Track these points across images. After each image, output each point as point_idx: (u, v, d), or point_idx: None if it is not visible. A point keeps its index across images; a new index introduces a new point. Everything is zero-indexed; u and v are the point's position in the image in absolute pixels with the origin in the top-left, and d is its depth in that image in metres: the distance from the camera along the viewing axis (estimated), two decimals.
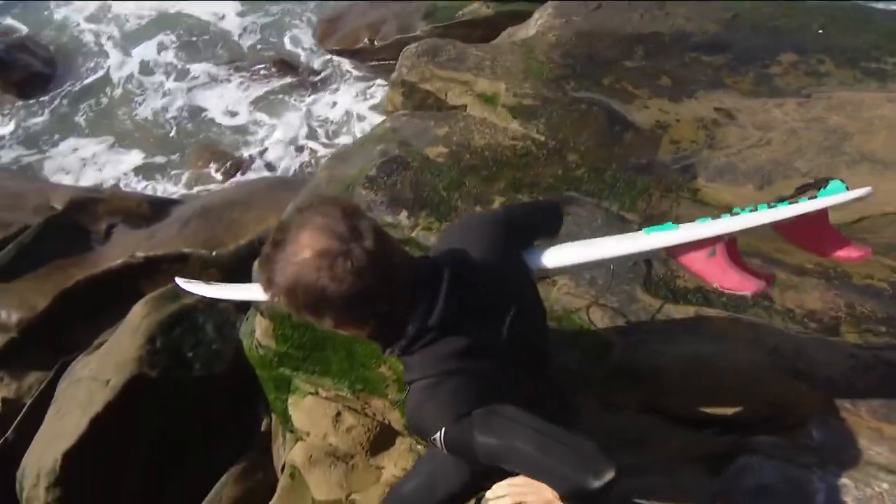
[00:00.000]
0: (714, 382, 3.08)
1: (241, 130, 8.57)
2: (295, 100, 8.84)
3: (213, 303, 5.03)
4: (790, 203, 2.07)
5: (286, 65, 9.15)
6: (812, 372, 2.94)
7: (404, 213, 3.66)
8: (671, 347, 3.17)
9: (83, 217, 6.19)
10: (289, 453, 3.96)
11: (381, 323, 1.79)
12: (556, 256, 2.26)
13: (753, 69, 4.56)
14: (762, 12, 5.06)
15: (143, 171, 8.20)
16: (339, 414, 3.77)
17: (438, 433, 1.75)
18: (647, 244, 2.19)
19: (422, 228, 3.60)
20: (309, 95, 8.84)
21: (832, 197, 2.03)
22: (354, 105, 8.60)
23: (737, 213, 2.12)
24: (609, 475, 1.67)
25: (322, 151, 8.02)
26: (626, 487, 2.43)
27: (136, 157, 8.40)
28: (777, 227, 2.14)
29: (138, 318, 4.94)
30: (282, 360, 3.82)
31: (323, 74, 9.03)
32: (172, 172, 8.06)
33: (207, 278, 4.87)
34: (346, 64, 9.06)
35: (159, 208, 6.40)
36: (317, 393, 3.82)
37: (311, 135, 8.36)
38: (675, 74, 4.49)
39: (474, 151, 3.94)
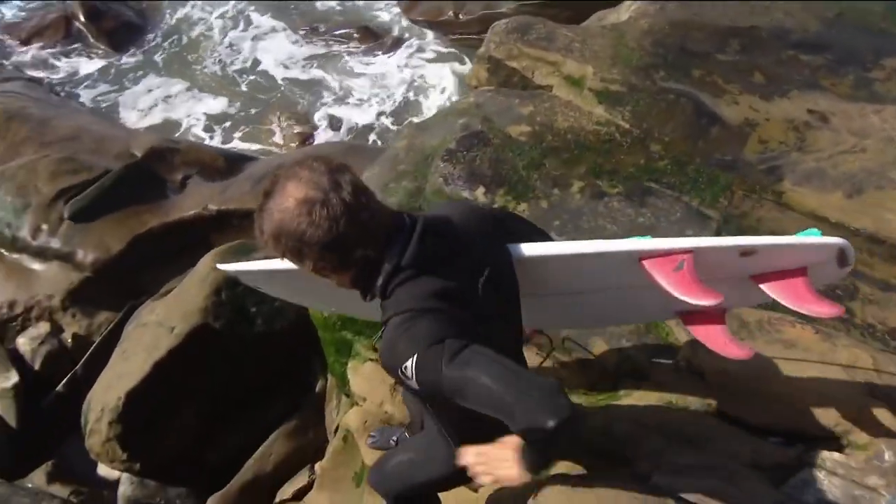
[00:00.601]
0: (783, 391, 2.99)
1: (319, 93, 8.62)
2: (374, 67, 8.85)
3: None
4: None
5: (368, 31, 9.16)
6: (890, 392, 2.84)
7: (481, 189, 3.63)
8: None
9: (160, 166, 6.32)
10: (343, 416, 4.00)
11: (360, 271, 1.88)
12: (533, 248, 2.28)
13: (854, 72, 4.38)
14: (869, 12, 4.85)
15: (221, 122, 8.35)
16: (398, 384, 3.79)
17: (410, 360, 1.78)
18: (615, 247, 2.26)
19: (498, 205, 3.57)
20: (390, 64, 8.83)
21: (800, 238, 2.17)
22: (434, 76, 8.56)
23: None
24: (565, 415, 1.65)
25: (398, 120, 8.03)
26: (681, 485, 2.40)
27: (214, 108, 8.57)
28: (754, 277, 2.26)
29: (206, 270, 5.03)
30: (345, 324, 3.85)
31: (404, 44, 9.02)
32: (248, 128, 8.17)
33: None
34: (428, 35, 9.03)
35: (233, 163, 6.49)
36: (377, 360, 3.84)
37: (388, 102, 8.37)
38: (770, 72, 4.35)
39: (557, 133, 3.88)
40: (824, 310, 2.17)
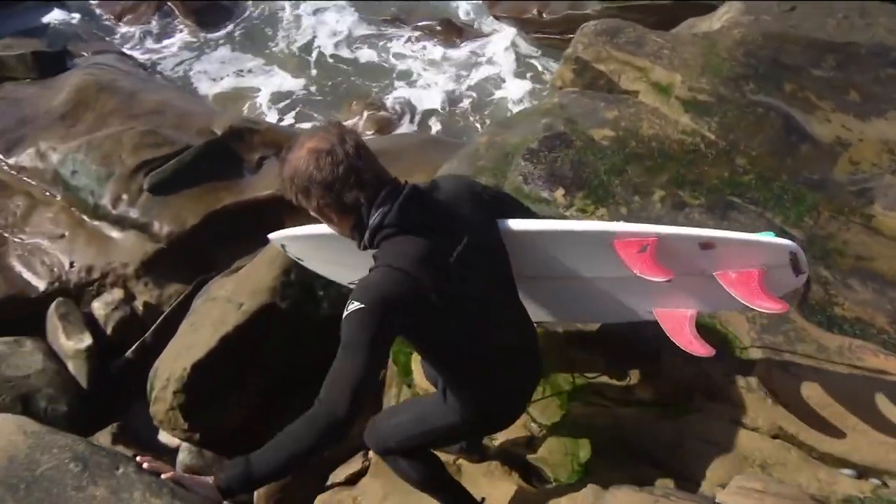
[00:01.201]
0: (860, 421, 2.90)
1: (397, 83, 8.68)
2: (456, 61, 8.87)
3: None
4: None
5: (451, 25, 9.18)
6: None
7: (561, 191, 3.60)
8: (819, 376, 3.00)
9: (239, 145, 6.43)
10: None
11: (355, 220, 2.21)
12: (517, 223, 2.51)
13: None
14: None
15: (299, 106, 8.46)
16: None
17: (354, 304, 2.17)
18: (592, 227, 2.54)
19: (577, 209, 3.54)
20: (470, 58, 8.84)
21: (754, 235, 2.47)
22: (515, 74, 8.52)
23: None
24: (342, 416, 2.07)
25: (477, 115, 8.03)
26: None
27: (293, 91, 8.69)
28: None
29: (277, 250, 5.09)
30: None
31: (487, 39, 9.00)
32: (325, 113, 8.25)
33: None
34: (511, 32, 9.00)
35: None
36: None
37: (468, 97, 8.36)
38: (866, 90, 4.22)
39: (641, 140, 3.83)
40: (773, 306, 2.38)
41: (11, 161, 6.47)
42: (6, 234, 6.04)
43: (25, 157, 6.46)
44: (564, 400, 3.51)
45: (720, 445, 2.92)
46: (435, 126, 8.03)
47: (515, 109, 7.89)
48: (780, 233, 3.50)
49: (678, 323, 2.60)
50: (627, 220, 3.48)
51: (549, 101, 4.26)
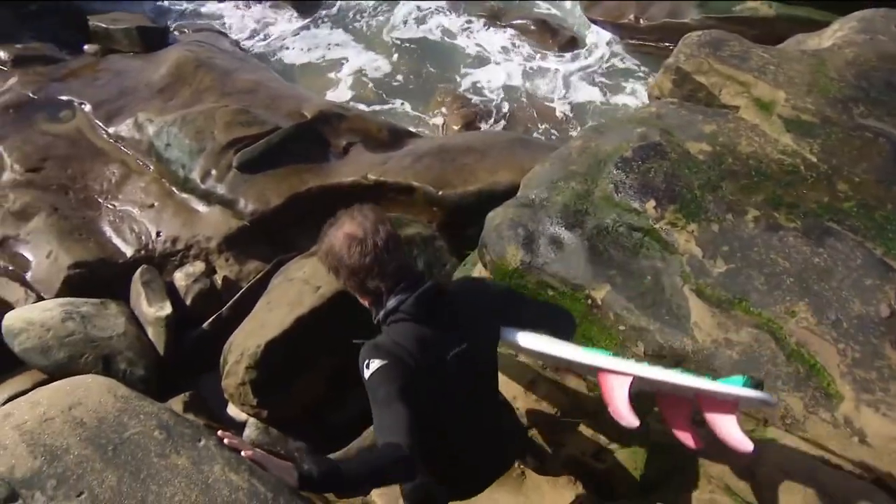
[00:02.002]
0: None
1: (487, 79, 8.66)
2: (548, 61, 8.80)
3: (430, 239, 5.16)
4: None
5: (546, 25, 9.12)
6: None
7: (652, 203, 3.53)
8: None
9: (326, 130, 6.51)
10: None
11: (374, 300, 2.54)
12: (525, 339, 2.86)
13: None
14: None
15: (390, 95, 8.54)
16: (533, 381, 3.76)
17: (375, 363, 2.37)
18: (584, 359, 2.80)
19: (667, 222, 3.46)
20: (563, 60, 8.77)
21: (727, 387, 2.56)
22: (607, 79, 8.43)
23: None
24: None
25: (567, 118, 7.96)
26: None
27: (385, 81, 8.77)
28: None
29: None
30: None
31: (581, 42, 8.92)
32: (414, 105, 8.32)
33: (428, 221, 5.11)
34: (606, 36, 8.90)
35: (397, 137, 6.62)
36: (517, 355, 3.83)
37: (558, 98, 8.29)
38: None
39: (738, 157, 3.72)
40: (743, 448, 2.53)
41: (111, 130, 6.71)
42: (100, 200, 6.26)
43: (124, 127, 6.69)
44: (638, 412, 3.45)
45: (799, 479, 2.82)
46: (522, 125, 7.98)
47: (606, 115, 7.79)
48: (881, 264, 3.36)
49: (617, 386, 2.72)
50: (717, 237, 3.40)
51: (645, 110, 4.17)
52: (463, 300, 2.68)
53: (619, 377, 2.72)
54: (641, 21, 8.31)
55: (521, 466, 3.77)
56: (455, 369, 2.52)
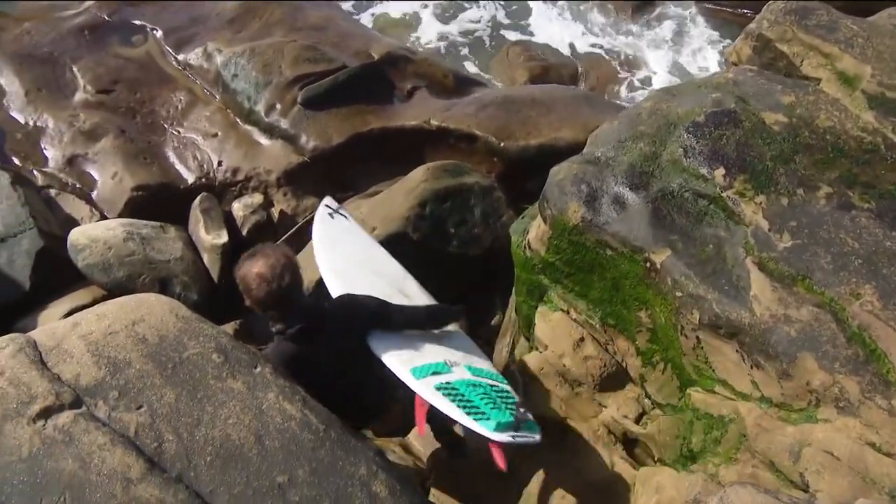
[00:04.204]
0: None
1: (558, 36, 8.49)
2: (621, 20, 8.59)
3: (489, 190, 5.14)
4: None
5: None
6: None
7: (721, 171, 3.45)
8: None
9: (393, 72, 6.47)
10: (520, 357, 4.03)
11: (271, 319, 3.17)
12: (379, 348, 3.40)
13: None
14: None
15: (459, 42, 8.44)
16: (582, 339, 3.76)
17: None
18: (410, 381, 3.32)
19: (735, 192, 3.38)
20: (637, 20, 8.54)
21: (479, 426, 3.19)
22: (682, 42, 8.20)
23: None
24: None
25: (636, 78, 7.79)
26: None
27: (456, 28, 8.65)
28: None
29: (416, 182, 5.16)
30: (545, 269, 3.83)
31: (657, 4, 8.65)
32: (483, 53, 8.23)
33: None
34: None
35: (462, 85, 6.55)
36: (568, 312, 3.82)
37: (628, 58, 8.12)
38: None
39: (815, 130, 3.60)
40: (498, 462, 3.38)
41: (180, 57, 6.78)
42: (166, 126, 6.35)
43: (193, 56, 6.75)
44: (685, 381, 3.43)
45: (846, 462, 2.79)
46: (590, 81, 7.83)
47: (677, 78, 7.60)
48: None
49: (419, 406, 3.57)
50: (786, 211, 3.32)
51: (721, 76, 4.05)
52: (331, 322, 3.29)
53: (423, 401, 3.41)
54: None
55: (563, 422, 3.80)
56: (324, 367, 3.17)
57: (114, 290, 5.07)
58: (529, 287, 3.98)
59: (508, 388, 3.57)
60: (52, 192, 6.02)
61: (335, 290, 3.75)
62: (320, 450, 2.12)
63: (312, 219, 5.71)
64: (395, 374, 3.33)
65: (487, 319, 5.15)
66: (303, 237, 5.34)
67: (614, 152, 3.70)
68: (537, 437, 3.39)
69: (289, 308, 3.10)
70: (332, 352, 3.24)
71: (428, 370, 3.37)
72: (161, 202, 5.86)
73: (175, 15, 7.20)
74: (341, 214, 4.40)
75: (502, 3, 9.02)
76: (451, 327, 3.83)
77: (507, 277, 4.53)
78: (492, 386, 3.48)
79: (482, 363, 3.67)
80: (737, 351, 3.17)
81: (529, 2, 9.04)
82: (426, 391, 3.28)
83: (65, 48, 6.84)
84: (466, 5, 8.97)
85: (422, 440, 4.61)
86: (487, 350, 4.98)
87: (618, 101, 7.01)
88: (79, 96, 6.54)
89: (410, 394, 3.44)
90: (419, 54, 6.88)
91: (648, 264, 3.38)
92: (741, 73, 3.99)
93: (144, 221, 5.55)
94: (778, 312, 3.05)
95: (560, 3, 8.94)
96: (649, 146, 3.66)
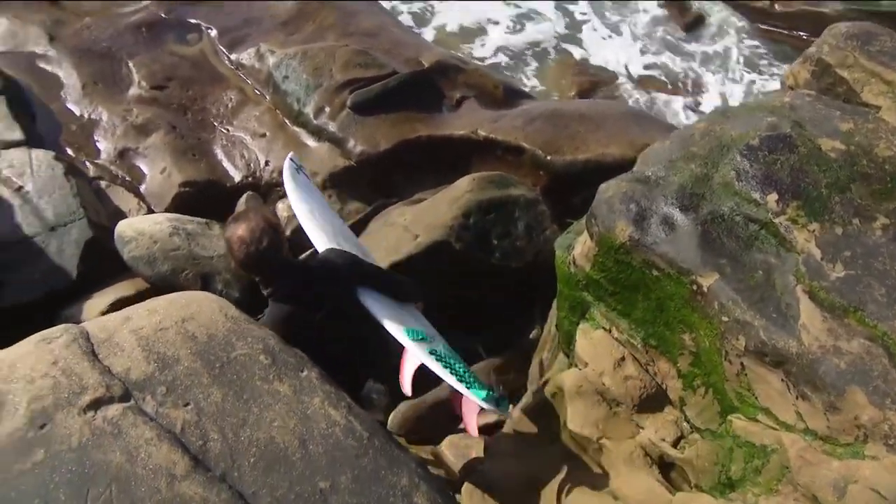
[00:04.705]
0: None
1: (608, 51, 8.46)
2: (673, 37, 8.52)
3: (533, 203, 5.13)
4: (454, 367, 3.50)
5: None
6: None
7: (774, 196, 3.40)
8: None
9: (442, 81, 6.50)
10: (558, 373, 4.01)
11: (260, 282, 3.34)
12: (370, 301, 3.50)
13: None
14: None
15: (510, 54, 8.44)
16: (623, 359, 3.73)
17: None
18: (402, 337, 3.48)
19: (787, 218, 3.33)
20: (689, 38, 8.45)
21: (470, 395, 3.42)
22: (734, 62, 8.09)
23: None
24: None
25: (686, 97, 7.72)
26: None
27: (507, 39, 8.67)
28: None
29: (461, 191, 5.16)
30: (589, 286, 3.81)
31: (708, 21, 8.58)
32: (532, 65, 8.20)
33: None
34: (735, 18, 8.55)
35: (511, 96, 6.55)
36: (609, 330, 3.79)
37: (679, 76, 8.03)
38: None
39: (873, 159, 3.53)
40: (471, 432, 3.71)
41: (233, 57, 6.88)
42: (216, 124, 6.44)
43: (245, 56, 6.84)
44: (726, 407, 3.38)
45: (894, 502, 2.72)
46: (639, 98, 7.77)
47: (730, 99, 7.52)
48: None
49: (408, 362, 3.58)
50: (840, 240, 3.26)
51: (777, 99, 3.99)
52: (327, 275, 3.48)
53: (413, 358, 3.50)
54: (777, 6, 7.92)
55: (600, 440, 3.77)
56: (319, 325, 3.29)
57: (157, 284, 5.16)
58: (572, 303, 3.96)
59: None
60: (103, 183, 6.13)
61: (320, 244, 3.93)
62: (363, 457, 2.13)
63: (358, 222, 5.82)
64: (386, 331, 3.47)
65: (526, 332, 5.13)
66: (357, 232, 5.39)
67: (665, 172, 3.67)
68: (511, 412, 3.76)
69: (271, 270, 3.27)
70: (322, 308, 3.35)
71: (417, 335, 3.52)
72: (207, 199, 5.93)
73: (230, 15, 7.32)
74: (304, 173, 4.56)
75: (560, 17, 9.01)
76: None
77: (548, 291, 4.51)
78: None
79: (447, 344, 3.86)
80: (782, 380, 3.11)
81: (579, 11, 9.02)
82: (420, 352, 3.43)
83: (122, 44, 6.99)
84: (527, 21, 8.95)
85: (453, 451, 4.62)
86: (524, 363, 4.99)
87: (667, 120, 6.93)
88: (133, 91, 6.67)
89: (394, 359, 3.65)
90: (470, 64, 6.90)
91: (695, 287, 3.34)
92: (798, 98, 3.93)
93: (190, 217, 5.62)
94: (827, 343, 2.99)
95: (614, 20, 8.89)
96: (701, 167, 3.62)
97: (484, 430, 4.88)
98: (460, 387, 3.40)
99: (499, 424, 4.78)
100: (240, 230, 3.17)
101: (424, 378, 3.65)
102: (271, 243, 3.19)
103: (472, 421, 3.59)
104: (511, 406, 3.67)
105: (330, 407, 2.16)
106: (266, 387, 2.20)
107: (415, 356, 3.46)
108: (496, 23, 8.92)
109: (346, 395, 2.24)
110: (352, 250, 3.87)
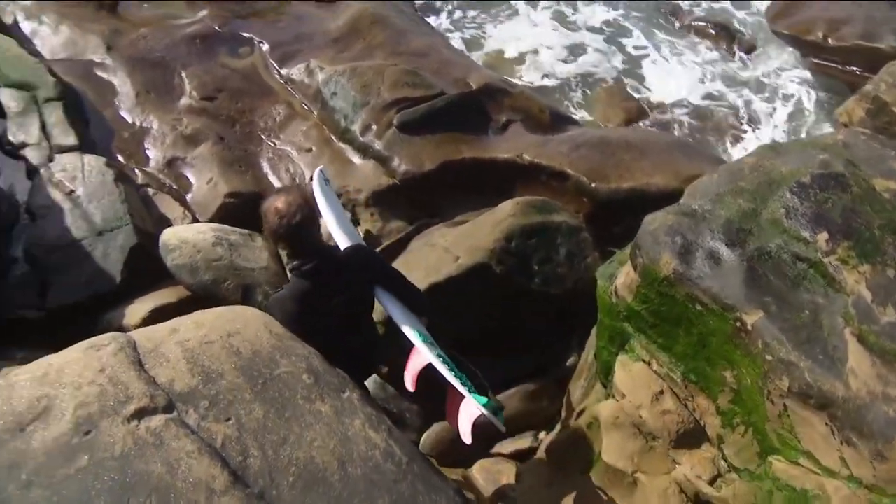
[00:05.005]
0: None
1: (657, 79, 8.44)
2: (723, 67, 8.48)
3: (576, 230, 5.10)
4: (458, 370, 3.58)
5: (725, 30, 8.76)
6: None
7: (824, 235, 3.35)
8: None
9: (490, 103, 6.52)
10: (595, 404, 3.97)
11: (286, 255, 3.69)
12: (386, 300, 3.65)
13: None
14: None
15: (558, 80, 8.46)
16: (661, 392, 3.68)
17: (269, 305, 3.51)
18: (410, 335, 3.59)
19: (837, 258, 3.28)
20: (739, 69, 8.41)
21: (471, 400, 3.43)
22: (784, 96, 8.02)
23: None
24: None
25: (733, 129, 7.65)
26: None
27: (555, 66, 8.68)
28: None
29: (504, 215, 5.16)
30: (630, 317, 3.77)
31: (760, 53, 8.51)
32: (579, 92, 8.21)
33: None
34: (787, 51, 8.47)
35: (557, 122, 6.54)
36: (649, 363, 3.75)
37: (726, 107, 7.96)
38: None
39: None
40: (464, 438, 3.40)
41: (283, 71, 6.98)
42: (263, 137, 6.53)
43: (295, 71, 6.94)
44: (767, 448, 3.32)
45: None
46: (684, 127, 7.73)
47: (780, 133, 7.43)
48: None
49: (415, 360, 3.60)
50: (892, 283, 3.19)
51: (830, 137, 3.94)
52: (348, 265, 3.57)
53: (420, 356, 3.55)
54: (830, 40, 7.80)
55: (635, 473, 3.72)
56: (335, 310, 3.41)
57: (198, 292, 5.22)
58: (612, 333, 3.93)
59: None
60: (150, 191, 6.24)
61: (343, 243, 4.06)
62: (402, 482, 2.12)
63: (399, 241, 5.84)
64: (400, 330, 3.61)
65: (563, 359, 5.09)
66: (389, 258, 5.38)
67: (712, 206, 3.63)
68: (503, 427, 3.69)
69: (301, 245, 3.37)
70: (345, 298, 3.46)
71: (426, 339, 3.63)
72: (252, 210, 5.90)
73: (282, 30, 7.44)
74: (331, 187, 4.69)
75: (599, 40, 9.05)
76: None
77: (587, 319, 4.48)
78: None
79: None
80: (827, 424, 3.05)
81: (629, 38, 9.03)
82: (429, 354, 3.52)
83: (176, 54, 7.13)
84: (578, 49, 8.98)
85: (484, 475, 4.59)
86: (558, 391, 4.95)
87: (714, 151, 6.87)
88: (184, 101, 6.79)
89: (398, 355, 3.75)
90: (517, 87, 6.91)
91: (739, 324, 3.29)
92: (852, 136, 3.87)
93: (234, 228, 5.69)
94: (876, 389, 2.92)
95: (665, 51, 8.87)
96: (749, 203, 3.58)
97: (516, 456, 4.88)
98: (463, 390, 3.47)
99: (531, 451, 4.76)
100: (278, 202, 3.27)
101: (425, 381, 3.68)
102: (305, 219, 3.27)
103: (467, 426, 3.56)
104: (503, 422, 3.67)
105: (370, 429, 2.16)
106: (308, 406, 2.21)
107: (423, 356, 3.54)
108: (549, 48, 8.94)
109: (387, 418, 2.24)
110: None
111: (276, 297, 3.50)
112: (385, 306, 3.65)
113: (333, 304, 3.41)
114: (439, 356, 3.56)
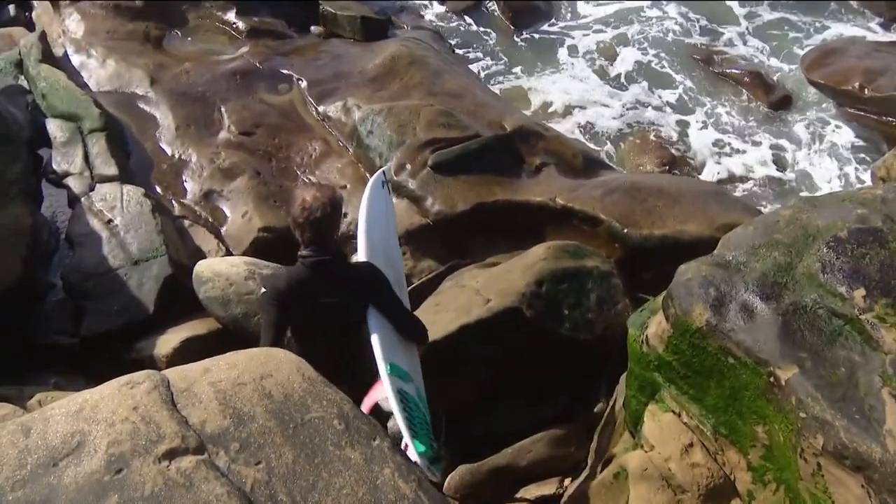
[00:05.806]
0: None
1: (691, 125, 8.46)
2: (758, 116, 8.47)
3: (607, 276, 5.09)
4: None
5: (760, 78, 8.73)
6: None
7: (861, 292, 3.30)
8: None
9: (523, 146, 6.56)
10: (623, 454, 3.92)
11: (300, 242, 3.55)
12: (374, 322, 3.70)
13: None
14: None
15: (592, 125, 8.51)
16: (691, 445, 3.63)
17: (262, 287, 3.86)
18: (381, 367, 3.59)
19: (875, 315, 3.23)
20: (774, 118, 8.40)
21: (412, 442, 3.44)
22: (820, 147, 7.98)
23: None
24: None
25: (768, 179, 7.61)
26: None
27: (588, 110, 8.73)
28: None
29: (536, 259, 5.17)
30: (660, 367, 3.74)
31: (795, 102, 8.49)
32: (613, 137, 8.25)
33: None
34: (824, 101, 8.45)
35: (591, 166, 6.56)
36: (679, 414, 3.71)
37: (762, 156, 7.94)
38: None
39: None
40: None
41: (321, 108, 7.10)
42: (298, 172, 6.63)
43: (332, 108, 7.06)
44: (793, 487, 3.25)
45: None
46: (719, 175, 7.72)
47: (815, 185, 7.39)
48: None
49: (374, 393, 3.72)
50: None
51: (868, 192, 3.90)
52: (354, 275, 3.75)
53: (379, 390, 3.64)
54: (867, 91, 7.77)
55: None
56: (319, 309, 3.55)
57: (229, 325, 5.26)
58: (642, 383, 3.89)
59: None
60: (186, 222, 6.36)
61: (361, 254, 4.13)
62: None
63: (430, 281, 5.85)
64: (373, 354, 3.64)
65: (591, 405, 5.04)
66: (419, 298, 5.41)
67: (746, 258, 3.61)
68: (438, 476, 3.63)
69: (313, 239, 3.48)
70: (334, 303, 3.57)
71: (398, 372, 3.68)
72: (285, 245, 6.01)
73: (321, 68, 7.58)
74: (388, 189, 4.77)
75: (633, 84, 9.13)
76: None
77: (616, 366, 4.45)
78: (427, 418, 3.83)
79: (423, 394, 3.98)
80: (862, 486, 2.98)
81: (664, 83, 9.11)
82: (391, 389, 3.56)
83: (217, 90, 7.29)
84: (601, 85, 9.07)
85: None
86: (586, 437, 4.90)
87: (747, 201, 6.83)
88: (222, 135, 6.92)
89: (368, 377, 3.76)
90: (551, 131, 6.95)
91: (772, 379, 3.25)
92: (891, 191, 3.83)
93: (266, 262, 5.74)
94: None
95: (696, 88, 8.90)
96: (784, 256, 3.55)
97: (540, 502, 4.82)
98: (406, 433, 3.51)
99: (556, 497, 4.70)
100: (307, 194, 3.48)
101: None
102: (324, 217, 3.44)
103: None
104: (439, 473, 3.68)
105: (400, 479, 2.15)
106: (338, 452, 2.21)
107: (383, 388, 3.60)
108: (584, 93, 9.01)
109: (416, 468, 2.24)
110: (390, 277, 3.96)
111: (273, 273, 3.79)
112: (371, 330, 3.69)
113: (320, 303, 3.55)
114: (401, 392, 3.61)
